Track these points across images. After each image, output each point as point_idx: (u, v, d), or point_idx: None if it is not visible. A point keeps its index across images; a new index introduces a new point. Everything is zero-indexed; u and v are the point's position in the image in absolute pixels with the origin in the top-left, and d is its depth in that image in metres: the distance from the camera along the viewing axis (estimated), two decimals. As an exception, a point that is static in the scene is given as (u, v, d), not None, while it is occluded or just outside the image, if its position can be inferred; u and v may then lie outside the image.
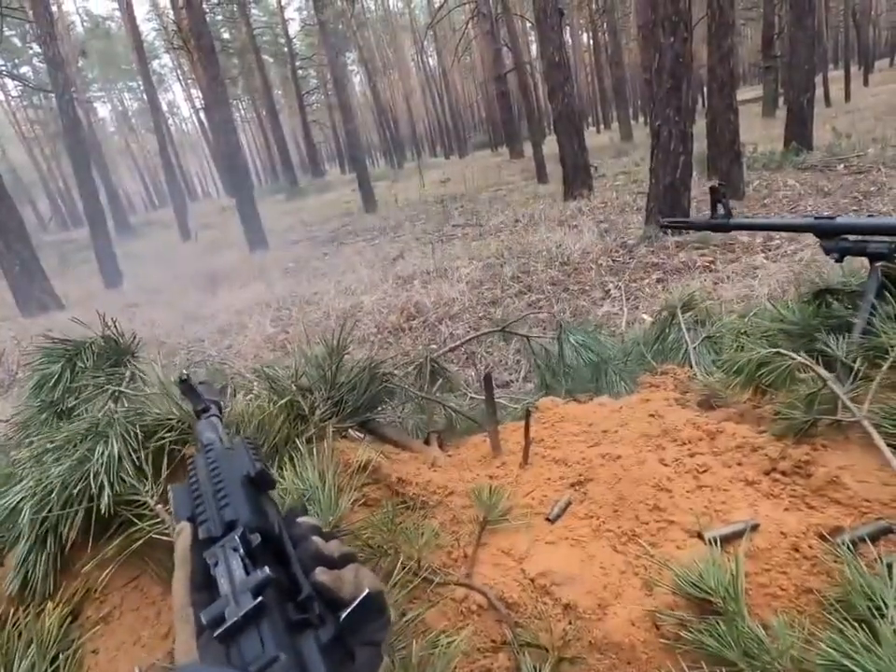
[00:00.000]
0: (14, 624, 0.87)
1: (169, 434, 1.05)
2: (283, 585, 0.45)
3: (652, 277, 5.39)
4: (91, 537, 0.97)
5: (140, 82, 30.32)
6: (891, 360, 1.10)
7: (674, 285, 4.93)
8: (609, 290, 5.29)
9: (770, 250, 5.50)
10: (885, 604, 0.79)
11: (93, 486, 0.96)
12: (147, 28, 37.37)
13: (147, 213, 44.74)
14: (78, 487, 0.97)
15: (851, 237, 1.45)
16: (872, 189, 7.49)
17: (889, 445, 1.04)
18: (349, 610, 0.44)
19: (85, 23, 40.31)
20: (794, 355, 1.22)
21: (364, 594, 0.45)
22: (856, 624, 0.78)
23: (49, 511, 0.97)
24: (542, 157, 15.21)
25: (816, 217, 1.53)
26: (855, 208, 6.76)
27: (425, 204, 15.57)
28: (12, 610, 0.89)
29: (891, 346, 1.11)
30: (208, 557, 0.47)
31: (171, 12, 23.29)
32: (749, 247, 5.69)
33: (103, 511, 0.92)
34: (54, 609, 0.90)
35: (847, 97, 20.48)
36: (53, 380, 1.29)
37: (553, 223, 8.96)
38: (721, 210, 1.67)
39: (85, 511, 0.95)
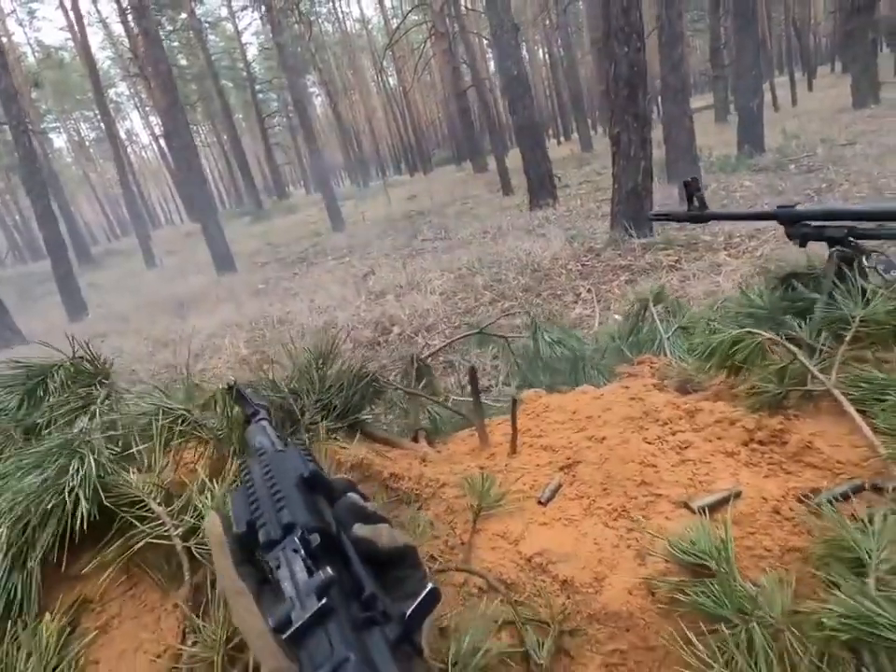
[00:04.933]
0: (13, 637, 0.86)
1: (174, 426, 1.05)
2: (346, 585, 0.45)
3: (621, 279, 5.51)
4: (70, 546, 0.95)
5: (97, 111, 29.93)
6: (853, 331, 1.16)
7: (643, 284, 5.05)
8: (580, 293, 5.39)
9: (732, 247, 5.68)
10: (868, 554, 0.84)
11: (68, 502, 0.95)
12: (102, 57, 36.99)
13: (110, 242, 43.89)
14: (52, 503, 0.96)
15: (812, 223, 1.53)
16: (823, 185, 7.82)
17: (856, 410, 1.10)
18: (414, 607, 0.44)
19: (37, 54, 39.61)
20: (763, 333, 1.28)
21: (427, 589, 0.46)
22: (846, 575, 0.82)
23: (26, 528, 0.95)
24: (506, 169, 15.46)
25: (778, 206, 1.62)
26: (810, 203, 7.03)
27: (392, 221, 15.65)
28: (9, 623, 0.88)
29: (852, 317, 1.18)
30: (270, 561, 0.47)
31: (126, 40, 23.15)
32: (712, 246, 5.87)
33: (85, 527, 0.92)
34: (52, 620, 0.89)
35: (794, 101, 21.34)
36: (16, 404, 1.24)
37: (520, 232, 9.11)
38: (696, 203, 1.75)
39: (69, 525, 0.94)
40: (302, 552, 0.46)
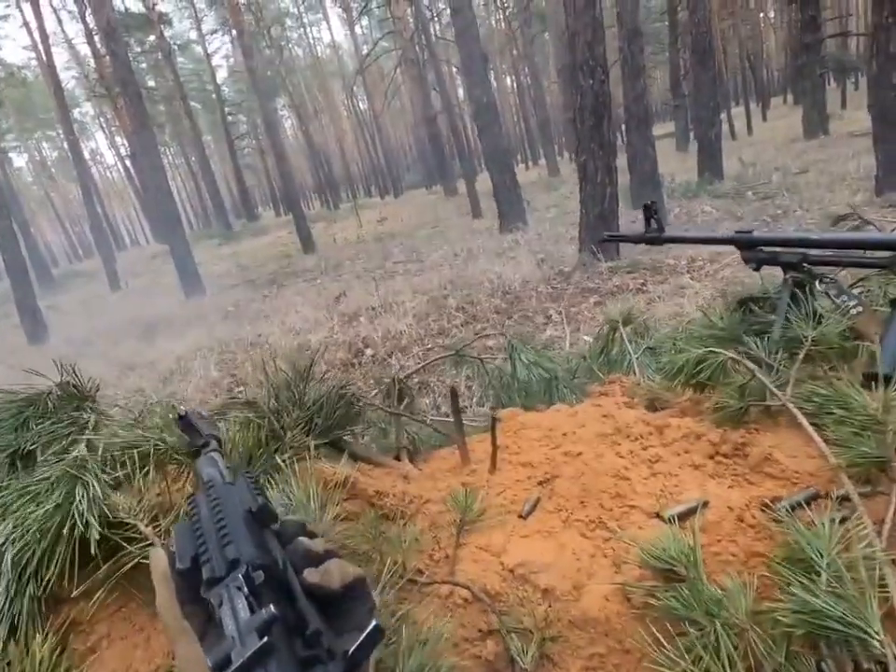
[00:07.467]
0: (4, 659, 0.87)
1: (153, 455, 1.07)
2: (289, 622, 0.44)
3: (590, 301, 5.67)
4: (76, 570, 0.96)
5: (60, 131, 29.45)
6: (806, 350, 1.26)
7: (611, 307, 5.20)
8: (551, 315, 5.52)
9: (694, 271, 5.90)
10: (820, 555, 0.91)
11: (80, 525, 0.96)
12: (67, 76, 36.45)
13: (71, 264, 42.83)
14: (66, 527, 0.96)
15: (766, 249, 1.64)
16: (778, 212, 8.19)
17: (809, 423, 1.18)
18: (357, 644, 0.44)
19: (-2, 73, 38.81)
20: (725, 352, 1.37)
21: (371, 626, 0.46)
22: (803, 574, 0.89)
23: (32, 553, 0.95)
24: (476, 193, 15.73)
25: (736, 232, 1.71)
26: (766, 230, 7.36)
27: (364, 243, 15.71)
28: (0, 644, 0.88)
29: (805, 338, 1.27)
30: (213, 598, 0.46)
31: (91, 60, 22.94)
32: (676, 269, 6.08)
33: (93, 552, 0.93)
34: (43, 641, 0.90)
35: (750, 131, 22.33)
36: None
37: (491, 255, 9.26)
38: (654, 225, 1.84)
39: (72, 549, 0.95)
40: (245, 589, 0.45)
